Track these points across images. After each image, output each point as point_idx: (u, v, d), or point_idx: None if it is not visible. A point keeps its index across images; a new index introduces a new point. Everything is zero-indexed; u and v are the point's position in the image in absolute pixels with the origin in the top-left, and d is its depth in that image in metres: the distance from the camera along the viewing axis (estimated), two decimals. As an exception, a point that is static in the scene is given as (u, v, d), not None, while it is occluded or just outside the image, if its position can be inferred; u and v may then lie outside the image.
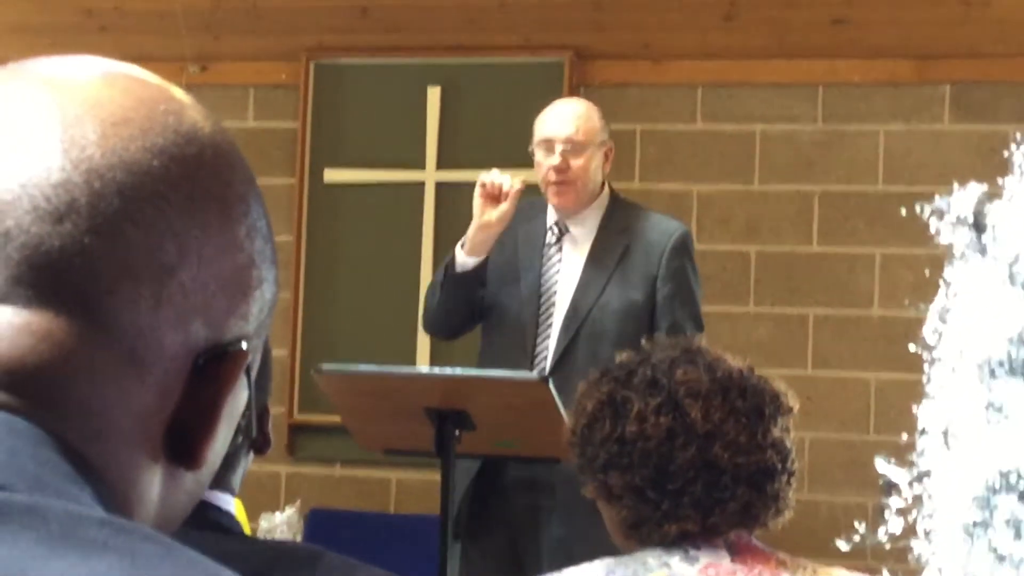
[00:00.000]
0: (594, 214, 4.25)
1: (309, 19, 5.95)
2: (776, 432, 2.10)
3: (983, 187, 0.59)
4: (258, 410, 1.78)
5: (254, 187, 0.85)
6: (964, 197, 0.59)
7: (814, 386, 5.32)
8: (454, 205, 5.73)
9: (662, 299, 4.15)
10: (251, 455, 1.80)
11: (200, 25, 5.98)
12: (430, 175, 5.86)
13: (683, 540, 2.08)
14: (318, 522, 5.50)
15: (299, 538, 5.30)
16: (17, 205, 0.76)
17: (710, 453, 2.07)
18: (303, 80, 5.97)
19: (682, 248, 4.23)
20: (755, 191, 5.67)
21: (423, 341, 5.67)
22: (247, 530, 1.91)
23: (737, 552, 2.07)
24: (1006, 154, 0.59)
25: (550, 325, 4.18)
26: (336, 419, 4.36)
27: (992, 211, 0.57)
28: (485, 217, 4.15)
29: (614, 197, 4.33)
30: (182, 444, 0.80)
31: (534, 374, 3.66)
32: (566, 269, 4.22)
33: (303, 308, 5.90)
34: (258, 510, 5.31)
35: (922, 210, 0.56)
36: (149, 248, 0.77)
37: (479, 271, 4.19)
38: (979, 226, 0.58)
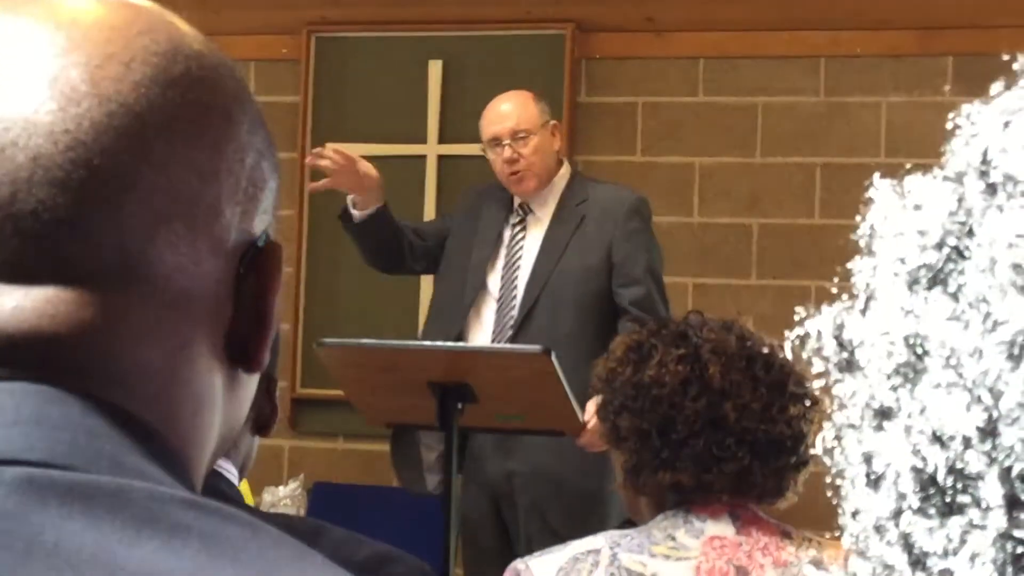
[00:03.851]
0: (555, 191, 4.46)
1: (310, -8, 5.94)
2: (793, 411, 2.09)
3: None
4: (265, 378, 1.79)
5: (240, 79, 0.85)
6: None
7: (816, 358, 5.32)
8: (456, 179, 5.72)
9: (619, 259, 4.32)
10: (256, 438, 1.80)
11: (201, -1, 5.97)
12: (432, 149, 5.85)
13: (679, 496, 2.09)
14: (321, 496, 5.51)
15: (302, 512, 5.31)
16: (35, 181, 0.75)
17: (719, 410, 2.07)
18: (304, 54, 5.96)
19: (636, 212, 4.40)
20: (757, 163, 5.66)
21: (425, 315, 5.67)
22: (250, 503, 1.91)
23: (743, 524, 2.08)
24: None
25: (515, 296, 4.37)
26: (338, 393, 4.36)
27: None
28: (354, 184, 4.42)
29: (574, 174, 4.56)
30: (242, 349, 0.81)
31: (537, 347, 3.66)
32: (529, 243, 4.42)
33: (305, 282, 5.90)
34: (261, 484, 5.32)
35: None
36: (171, 185, 0.77)
37: (377, 220, 4.45)
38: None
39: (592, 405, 3.72)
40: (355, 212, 4.47)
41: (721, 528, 2.07)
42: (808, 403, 2.11)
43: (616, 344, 2.22)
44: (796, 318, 0.57)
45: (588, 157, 5.74)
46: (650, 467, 2.09)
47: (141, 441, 0.73)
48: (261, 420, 1.78)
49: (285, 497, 5.28)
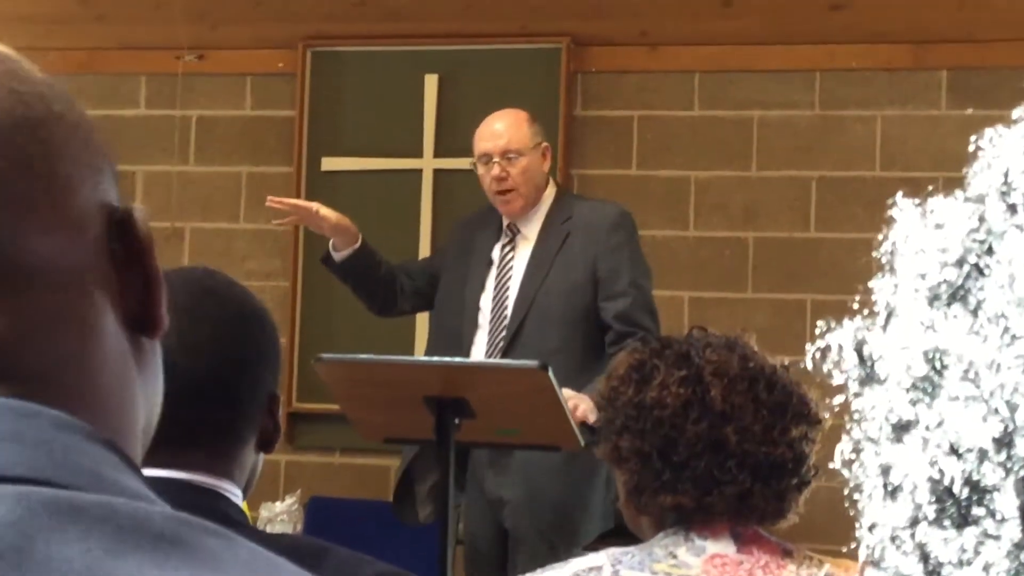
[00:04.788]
0: (541, 210, 4.49)
1: (306, 7, 5.94)
2: (795, 433, 2.09)
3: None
4: (269, 397, 1.79)
5: (45, 74, 0.86)
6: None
7: (812, 372, 5.32)
8: (452, 193, 5.73)
9: (604, 273, 4.35)
10: (261, 456, 1.80)
11: (197, 14, 5.98)
12: (428, 163, 5.85)
13: (680, 517, 2.09)
14: (318, 510, 5.50)
15: (299, 527, 5.30)
16: None
17: (720, 433, 2.07)
18: (300, 68, 5.97)
19: (619, 225, 4.43)
20: (753, 177, 5.67)
21: (422, 330, 5.67)
22: (249, 520, 1.91)
23: (743, 542, 2.07)
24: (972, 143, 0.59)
25: (506, 316, 4.40)
26: (335, 407, 4.36)
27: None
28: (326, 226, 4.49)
29: (560, 192, 4.59)
30: (140, 315, 0.83)
31: (534, 363, 3.67)
32: (518, 264, 4.46)
33: (302, 297, 5.90)
34: (258, 499, 5.32)
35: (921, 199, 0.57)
36: (19, 171, 0.78)
37: (358, 258, 4.50)
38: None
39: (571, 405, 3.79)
40: (335, 254, 4.54)
41: (722, 546, 2.07)
42: (810, 423, 2.11)
43: (618, 362, 2.22)
44: (817, 331, 0.58)
45: (584, 171, 5.75)
46: (651, 489, 2.08)
47: (109, 450, 0.74)
48: (264, 437, 1.78)
49: (282, 513, 5.27)
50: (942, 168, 5.31)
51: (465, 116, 5.76)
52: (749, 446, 2.07)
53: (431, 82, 5.86)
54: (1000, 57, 5.44)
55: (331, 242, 4.54)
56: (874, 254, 0.57)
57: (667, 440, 2.08)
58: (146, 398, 0.85)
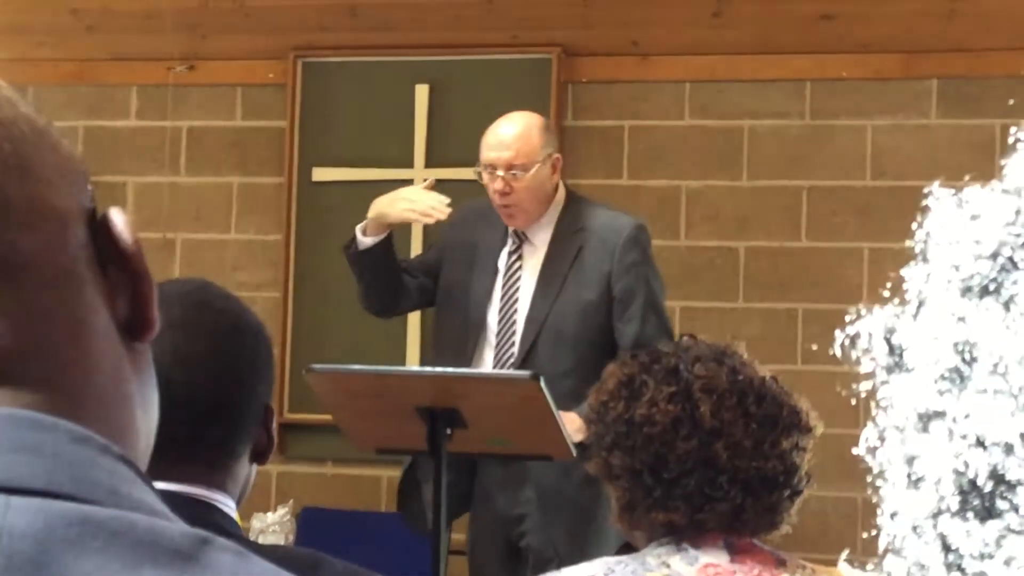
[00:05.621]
0: (550, 217, 4.31)
1: (297, 18, 5.95)
2: (785, 444, 2.09)
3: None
4: (263, 409, 1.79)
5: (2, 80, 0.86)
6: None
7: (803, 381, 5.32)
8: (443, 203, 5.73)
9: (619, 294, 4.21)
10: (255, 466, 1.80)
11: (187, 24, 5.98)
12: (419, 173, 5.85)
13: (673, 533, 2.09)
14: (310, 521, 5.50)
15: (291, 538, 5.30)
16: None
17: (710, 449, 2.07)
18: (291, 79, 5.97)
19: (634, 242, 4.26)
20: (743, 187, 5.68)
21: (413, 340, 5.68)
22: (242, 531, 1.91)
23: (736, 552, 2.07)
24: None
25: (515, 332, 4.26)
26: (327, 418, 4.36)
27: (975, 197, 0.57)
28: (404, 217, 4.32)
29: (570, 197, 4.39)
30: (131, 316, 0.83)
31: (526, 373, 3.66)
32: (527, 274, 4.30)
33: (293, 307, 5.90)
34: (250, 510, 5.31)
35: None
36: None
37: (384, 247, 4.30)
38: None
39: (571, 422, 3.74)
40: (364, 239, 4.30)
41: (715, 556, 2.07)
42: (802, 432, 2.11)
43: (608, 375, 2.21)
44: (846, 319, 0.58)
45: (575, 181, 5.75)
46: (643, 506, 2.08)
47: (123, 463, 0.74)
48: (258, 449, 1.78)
49: (274, 524, 5.27)
50: (933, 177, 5.28)
51: (456, 126, 5.77)
52: (740, 461, 2.06)
53: (422, 92, 5.86)
54: (990, 66, 5.45)
55: (359, 228, 4.32)
56: (908, 242, 0.57)
57: (657, 457, 2.08)
58: (144, 403, 0.84)
